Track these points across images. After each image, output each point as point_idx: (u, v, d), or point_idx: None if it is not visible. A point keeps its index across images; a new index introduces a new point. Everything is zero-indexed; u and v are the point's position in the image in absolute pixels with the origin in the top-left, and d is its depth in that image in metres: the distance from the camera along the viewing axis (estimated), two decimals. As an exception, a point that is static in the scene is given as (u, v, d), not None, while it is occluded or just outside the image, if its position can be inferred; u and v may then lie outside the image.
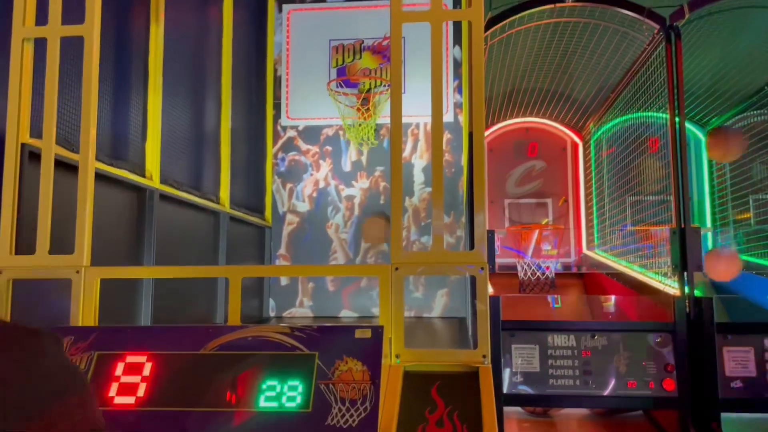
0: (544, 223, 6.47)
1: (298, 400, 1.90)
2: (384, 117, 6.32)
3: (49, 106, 2.40)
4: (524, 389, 3.03)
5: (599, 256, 5.86)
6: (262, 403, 1.90)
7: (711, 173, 5.62)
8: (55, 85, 2.42)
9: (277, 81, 6.94)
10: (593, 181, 6.27)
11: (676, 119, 3.49)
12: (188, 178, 4.65)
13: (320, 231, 6.87)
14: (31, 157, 2.53)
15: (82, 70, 2.44)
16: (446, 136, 6.46)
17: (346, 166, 6.93)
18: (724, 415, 2.87)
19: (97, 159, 3.00)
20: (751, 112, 5.15)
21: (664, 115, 3.80)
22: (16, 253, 2.34)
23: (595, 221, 6.28)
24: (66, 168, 2.77)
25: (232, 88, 5.43)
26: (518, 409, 3.70)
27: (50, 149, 2.38)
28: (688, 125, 4.93)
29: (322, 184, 6.92)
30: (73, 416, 0.98)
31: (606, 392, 2.99)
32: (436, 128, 2.39)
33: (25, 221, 2.44)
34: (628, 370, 2.98)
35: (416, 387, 2.08)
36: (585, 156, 6.53)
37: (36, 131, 2.54)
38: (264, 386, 1.93)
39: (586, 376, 3.00)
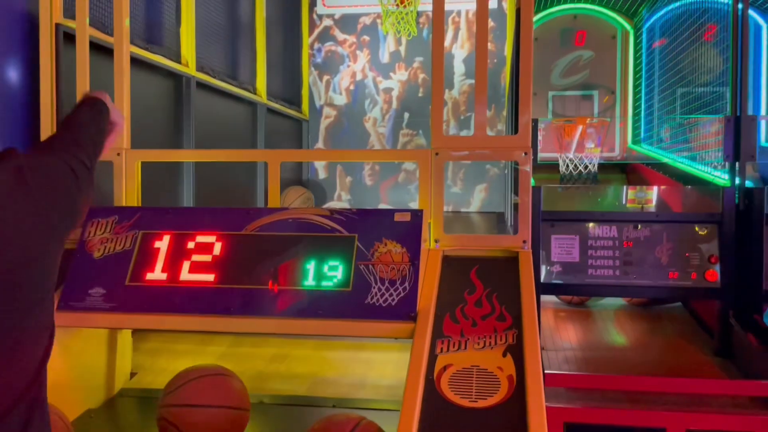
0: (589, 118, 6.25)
1: (339, 279, 1.92)
2: (424, 3, 6.03)
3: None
4: (562, 279, 3.02)
5: (645, 150, 5.68)
6: (304, 282, 1.92)
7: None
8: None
9: (312, -34, 6.65)
10: (643, 72, 5.96)
11: (739, 4, 3.25)
12: (224, 66, 4.58)
13: (357, 125, 6.80)
14: (66, 38, 2.49)
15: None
16: (489, 24, 6.17)
17: (384, 57, 6.74)
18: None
19: (132, 43, 2.94)
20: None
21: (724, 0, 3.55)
22: (58, 136, 2.35)
23: (642, 114, 6.04)
24: (102, 51, 2.73)
25: (265, -27, 5.23)
26: (554, 299, 3.72)
27: (84, 29, 2.33)
28: (750, 11, 4.60)
29: (359, 76, 6.77)
30: None
31: (646, 283, 2.96)
32: (481, 13, 2.26)
33: (65, 104, 2.43)
34: (670, 261, 2.93)
35: (455, 270, 2.08)
36: (636, 45, 6.17)
37: (70, 12, 2.49)
38: (305, 266, 1.95)
39: (627, 267, 2.96)
